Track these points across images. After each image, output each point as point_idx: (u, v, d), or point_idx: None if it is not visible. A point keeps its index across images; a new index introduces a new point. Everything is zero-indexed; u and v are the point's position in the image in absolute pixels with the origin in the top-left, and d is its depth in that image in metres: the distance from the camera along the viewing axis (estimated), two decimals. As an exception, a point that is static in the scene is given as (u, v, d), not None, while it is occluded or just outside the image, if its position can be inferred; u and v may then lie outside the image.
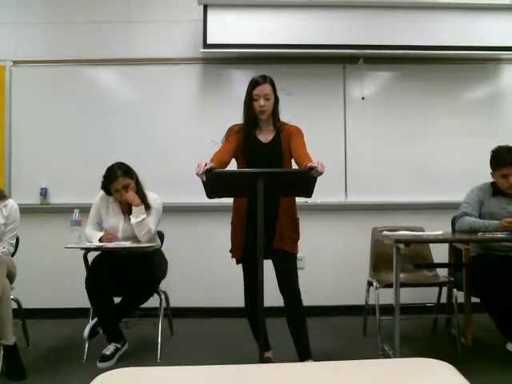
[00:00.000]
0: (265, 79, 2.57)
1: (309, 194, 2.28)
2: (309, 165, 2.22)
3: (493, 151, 3.02)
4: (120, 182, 3.04)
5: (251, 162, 2.58)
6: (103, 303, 2.99)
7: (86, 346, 2.98)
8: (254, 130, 2.62)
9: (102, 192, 3.17)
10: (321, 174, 2.20)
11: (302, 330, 2.60)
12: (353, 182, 4.04)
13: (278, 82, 2.62)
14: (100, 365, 2.87)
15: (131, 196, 3.05)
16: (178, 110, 4.05)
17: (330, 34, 3.83)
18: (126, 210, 3.13)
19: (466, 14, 3.84)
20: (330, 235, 4.04)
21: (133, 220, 3.02)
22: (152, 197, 3.17)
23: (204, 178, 2.19)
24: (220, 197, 2.41)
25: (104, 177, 3.09)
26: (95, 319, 3.05)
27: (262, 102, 2.54)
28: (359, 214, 4.01)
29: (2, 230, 2.92)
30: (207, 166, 2.20)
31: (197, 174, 2.20)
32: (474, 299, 2.95)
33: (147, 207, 3.10)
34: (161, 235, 3.35)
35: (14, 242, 3.00)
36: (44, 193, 3.98)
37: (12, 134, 4.03)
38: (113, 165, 3.09)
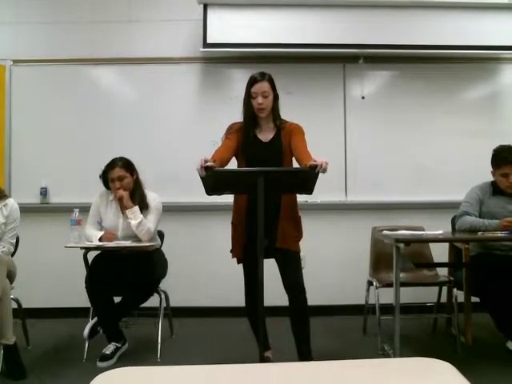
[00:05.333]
0: (263, 76, 2.54)
1: (309, 192, 2.28)
2: (309, 163, 2.20)
3: (494, 150, 3.02)
4: (117, 171, 3.07)
5: (251, 161, 2.57)
6: (103, 302, 2.99)
7: (86, 345, 2.98)
8: (254, 128, 2.61)
9: (101, 191, 3.18)
10: (325, 169, 2.18)
11: (304, 328, 2.59)
12: (353, 181, 4.04)
13: (277, 82, 2.61)
14: (100, 364, 2.87)
15: (125, 197, 3.04)
16: (177, 109, 4.05)
17: (330, 33, 3.83)
18: (125, 208, 3.14)
19: (466, 14, 3.83)
20: (330, 235, 4.04)
21: (132, 222, 3.02)
22: (151, 196, 3.17)
23: (203, 174, 2.19)
24: (220, 194, 2.41)
25: (105, 166, 3.13)
26: (95, 319, 3.05)
27: (259, 99, 2.51)
28: (359, 213, 4.01)
29: (2, 229, 2.92)
30: (207, 164, 2.19)
31: (197, 170, 2.20)
32: (474, 299, 2.95)
33: (146, 207, 3.10)
34: (161, 235, 3.35)
35: (14, 241, 3.00)
36: (44, 192, 3.99)
37: (12, 134, 4.03)
38: (117, 157, 3.15)
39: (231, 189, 2.41)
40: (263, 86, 2.52)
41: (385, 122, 4.05)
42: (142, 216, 3.05)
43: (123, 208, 3.11)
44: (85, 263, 3.08)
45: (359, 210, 4.02)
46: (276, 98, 2.60)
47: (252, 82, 2.54)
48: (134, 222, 3.01)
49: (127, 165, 3.12)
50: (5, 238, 2.94)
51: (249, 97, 2.55)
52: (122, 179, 3.08)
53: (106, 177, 3.13)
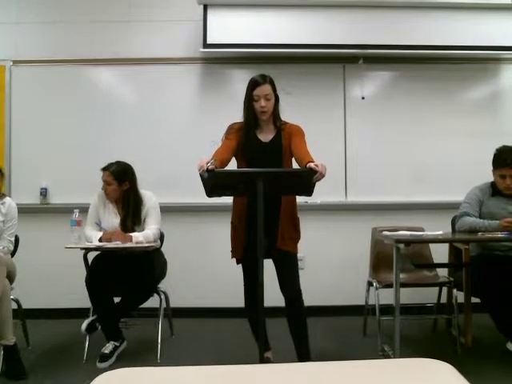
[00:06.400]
0: (265, 79, 2.53)
1: (309, 194, 2.28)
2: (311, 165, 2.20)
3: (497, 150, 3.01)
4: (105, 175, 3.10)
5: (251, 161, 2.56)
6: (103, 302, 3.00)
7: (86, 345, 2.98)
8: (254, 129, 2.61)
9: (99, 192, 3.19)
10: (323, 177, 2.20)
11: (302, 330, 2.59)
12: (353, 181, 4.04)
13: (277, 82, 2.61)
14: (100, 365, 2.88)
15: (118, 234, 3.02)
16: (177, 109, 4.05)
17: (330, 33, 3.83)
18: (121, 210, 3.15)
19: (466, 14, 3.83)
20: (330, 235, 4.04)
21: (141, 246, 2.99)
22: (146, 195, 3.17)
23: (206, 175, 2.18)
24: (220, 196, 2.41)
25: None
26: (95, 316, 3.05)
27: (262, 102, 2.50)
28: (359, 213, 4.01)
29: (1, 227, 2.93)
30: (209, 165, 2.19)
31: (199, 171, 2.20)
32: (474, 299, 2.94)
33: (139, 219, 3.10)
34: (161, 235, 3.34)
35: (13, 239, 3.01)
36: (44, 193, 3.98)
37: (12, 134, 4.03)
38: (121, 161, 3.15)
39: (231, 189, 2.41)
40: (265, 88, 2.51)
41: (385, 122, 4.05)
42: (142, 237, 3.02)
43: (120, 208, 3.15)
44: (85, 264, 3.08)
45: (359, 210, 4.02)
46: (277, 99, 2.60)
47: (254, 84, 2.52)
48: (142, 245, 2.99)
49: (118, 174, 3.09)
50: (4, 237, 2.95)
51: (250, 99, 2.54)
52: (108, 184, 3.10)
53: None
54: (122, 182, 3.11)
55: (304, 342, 2.59)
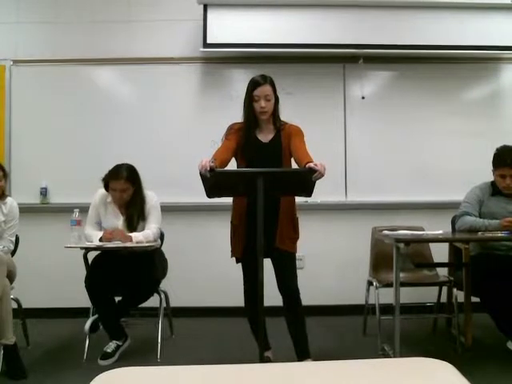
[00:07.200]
0: (265, 79, 2.54)
1: (308, 194, 2.29)
2: (310, 165, 2.22)
3: (497, 149, 3.02)
4: (121, 183, 3.02)
5: (251, 161, 2.57)
6: (104, 301, 3.00)
7: (86, 345, 2.98)
8: (254, 129, 2.61)
9: (99, 192, 3.16)
10: (322, 176, 2.21)
11: (300, 329, 2.60)
12: (353, 181, 4.04)
13: (277, 82, 2.61)
14: (101, 362, 2.89)
15: (121, 235, 3.00)
16: (177, 109, 4.05)
17: (330, 33, 3.83)
18: (124, 210, 3.14)
19: (466, 14, 3.83)
20: (330, 235, 4.04)
21: (141, 245, 2.98)
22: (148, 195, 3.16)
23: (208, 175, 2.19)
24: (220, 196, 2.41)
25: (110, 171, 3.05)
26: (96, 315, 3.05)
27: (262, 103, 2.51)
28: (359, 213, 4.01)
29: (2, 227, 2.93)
30: (210, 164, 2.20)
31: (200, 172, 2.20)
32: (474, 299, 2.94)
33: (143, 217, 3.09)
34: (161, 235, 3.34)
35: (13, 239, 3.02)
36: (44, 192, 3.99)
37: (12, 134, 4.03)
38: (123, 164, 3.08)
39: (231, 190, 2.41)
40: (266, 89, 2.52)
41: (385, 121, 4.05)
42: (142, 236, 3.01)
43: (122, 207, 3.12)
44: (85, 263, 3.08)
45: (359, 209, 4.02)
46: (277, 100, 2.60)
47: (254, 85, 2.53)
48: (142, 245, 2.98)
49: (131, 177, 3.05)
50: (5, 236, 2.95)
51: (250, 99, 2.54)
52: (124, 191, 3.05)
53: (108, 180, 3.07)
54: (135, 184, 3.08)
55: (302, 340, 2.60)
